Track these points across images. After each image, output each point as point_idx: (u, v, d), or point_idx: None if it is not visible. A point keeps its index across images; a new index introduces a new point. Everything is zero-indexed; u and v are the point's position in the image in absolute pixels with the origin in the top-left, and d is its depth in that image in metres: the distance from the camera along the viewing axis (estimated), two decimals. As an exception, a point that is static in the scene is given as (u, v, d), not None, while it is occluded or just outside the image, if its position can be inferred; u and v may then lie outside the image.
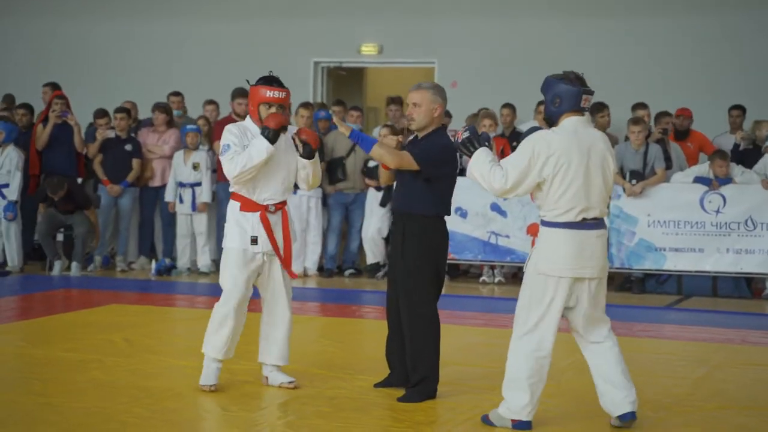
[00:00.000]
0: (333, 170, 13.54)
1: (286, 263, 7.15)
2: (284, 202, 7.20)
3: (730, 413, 6.97)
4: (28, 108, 14.39)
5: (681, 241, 12.64)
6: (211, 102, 14.76)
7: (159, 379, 7.57)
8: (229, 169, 6.93)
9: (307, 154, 7.03)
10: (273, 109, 6.98)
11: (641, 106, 13.47)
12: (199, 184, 13.57)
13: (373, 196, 13.56)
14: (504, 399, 6.39)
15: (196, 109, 15.26)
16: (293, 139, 7.02)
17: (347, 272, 13.81)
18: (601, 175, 6.33)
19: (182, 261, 13.78)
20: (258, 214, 7.07)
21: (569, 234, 6.26)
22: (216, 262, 13.75)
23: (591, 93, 6.39)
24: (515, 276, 13.81)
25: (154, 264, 13.67)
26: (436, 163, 6.95)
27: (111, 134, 13.66)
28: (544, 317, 6.29)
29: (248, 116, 7.18)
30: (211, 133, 13.85)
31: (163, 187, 13.99)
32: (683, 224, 12.65)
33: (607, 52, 16.06)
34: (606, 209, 6.43)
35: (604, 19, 16.44)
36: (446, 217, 7.10)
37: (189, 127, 13.72)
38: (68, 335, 9.17)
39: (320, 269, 13.81)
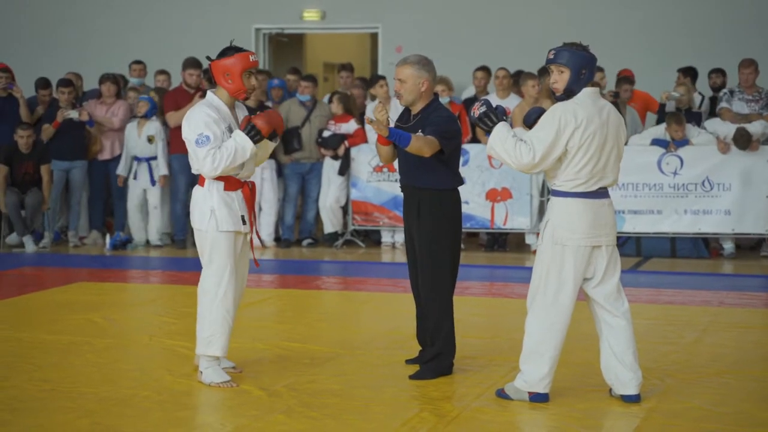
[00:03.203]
0: (288, 140, 13.39)
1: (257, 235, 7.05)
2: None
3: (733, 378, 7.02)
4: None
5: (639, 203, 12.75)
6: (162, 72, 14.50)
7: (156, 360, 7.48)
8: (210, 166, 6.55)
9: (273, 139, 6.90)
10: (253, 79, 6.73)
11: (596, 69, 13.47)
12: (154, 158, 13.33)
13: (330, 166, 13.46)
14: (521, 371, 6.39)
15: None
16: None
17: (305, 242, 13.71)
18: (616, 145, 6.33)
19: (138, 236, 13.56)
20: (240, 191, 6.80)
21: (585, 203, 6.26)
22: (169, 235, 13.62)
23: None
24: (476, 242, 13.91)
25: (108, 238, 13.44)
26: (450, 138, 6.91)
27: (74, 115, 13.29)
28: (562, 288, 6.28)
29: (210, 92, 6.81)
30: (162, 104, 13.59)
31: (112, 160, 13.75)
32: (641, 186, 12.76)
33: (557, 14, 16.09)
34: (618, 178, 6.43)
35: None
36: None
37: (143, 96, 13.49)
38: (47, 316, 8.98)
39: (277, 240, 13.69)
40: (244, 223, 6.79)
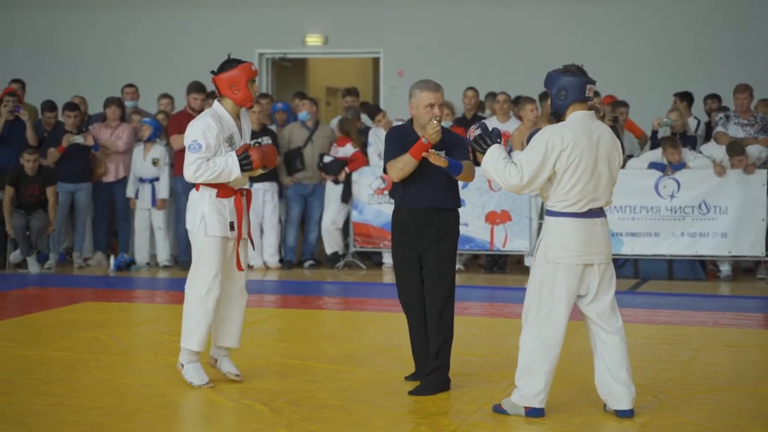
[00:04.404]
0: (291, 161, 13.58)
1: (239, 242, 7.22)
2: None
3: (727, 395, 7.15)
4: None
5: (637, 225, 12.91)
6: (165, 96, 14.69)
7: (161, 376, 7.62)
8: (191, 173, 6.94)
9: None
10: (255, 86, 7.07)
11: (594, 94, 13.66)
12: (157, 179, 13.54)
13: (332, 188, 13.62)
14: (517, 387, 6.53)
15: (143, 102, 15.18)
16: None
17: (307, 264, 13.87)
18: (608, 167, 6.48)
19: (141, 256, 13.74)
20: (233, 199, 7.10)
21: (576, 222, 6.41)
22: (175, 257, 13.79)
23: (593, 83, 6.54)
24: (476, 264, 14.06)
25: (112, 260, 13.60)
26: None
27: (78, 140, 13.45)
28: (555, 306, 6.43)
29: (216, 102, 7.13)
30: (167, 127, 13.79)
31: (117, 182, 13.94)
32: (639, 209, 12.93)
33: (557, 38, 16.28)
34: (611, 199, 6.59)
35: (552, 6, 16.66)
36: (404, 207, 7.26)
37: (145, 120, 13.70)
38: (53, 334, 9.15)
39: (279, 261, 13.84)
40: (232, 229, 7.07)
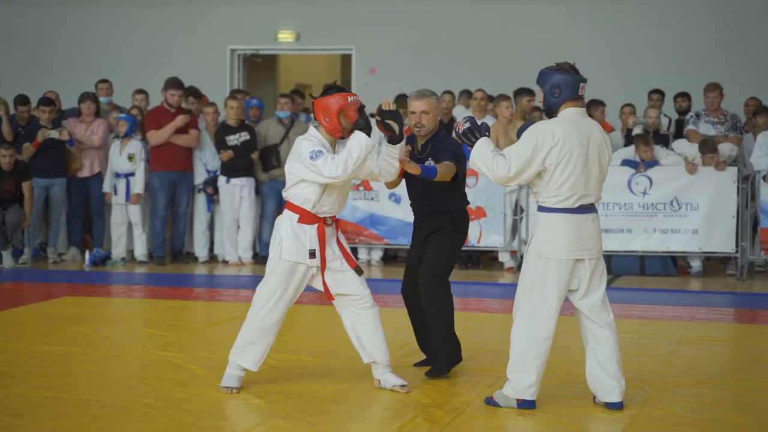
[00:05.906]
0: (267, 158, 13.67)
1: (351, 264, 7.07)
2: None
3: (709, 387, 7.32)
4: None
5: (610, 222, 13.07)
6: (140, 91, 14.73)
7: (151, 370, 7.70)
8: (336, 168, 6.62)
9: (397, 138, 6.86)
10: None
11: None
12: (133, 174, 13.57)
13: (308, 184, 13.69)
14: (509, 380, 6.66)
15: (116, 97, 15.20)
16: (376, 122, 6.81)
17: (283, 259, 13.92)
18: (598, 164, 6.63)
19: (117, 251, 13.77)
20: (315, 226, 6.92)
21: (567, 218, 6.56)
22: (151, 253, 13.83)
23: (585, 81, 6.67)
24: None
25: (87, 255, 13.63)
26: (461, 162, 7.33)
27: (54, 135, 13.50)
28: (546, 300, 6.56)
29: (313, 128, 6.90)
30: (143, 122, 13.82)
31: (92, 177, 13.98)
32: (612, 206, 13.11)
33: (529, 36, 16.43)
34: (600, 195, 6.74)
35: (526, 3, 16.82)
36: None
37: (121, 116, 13.73)
38: (38, 329, 9.19)
39: (254, 257, 13.92)
40: (313, 257, 6.91)
